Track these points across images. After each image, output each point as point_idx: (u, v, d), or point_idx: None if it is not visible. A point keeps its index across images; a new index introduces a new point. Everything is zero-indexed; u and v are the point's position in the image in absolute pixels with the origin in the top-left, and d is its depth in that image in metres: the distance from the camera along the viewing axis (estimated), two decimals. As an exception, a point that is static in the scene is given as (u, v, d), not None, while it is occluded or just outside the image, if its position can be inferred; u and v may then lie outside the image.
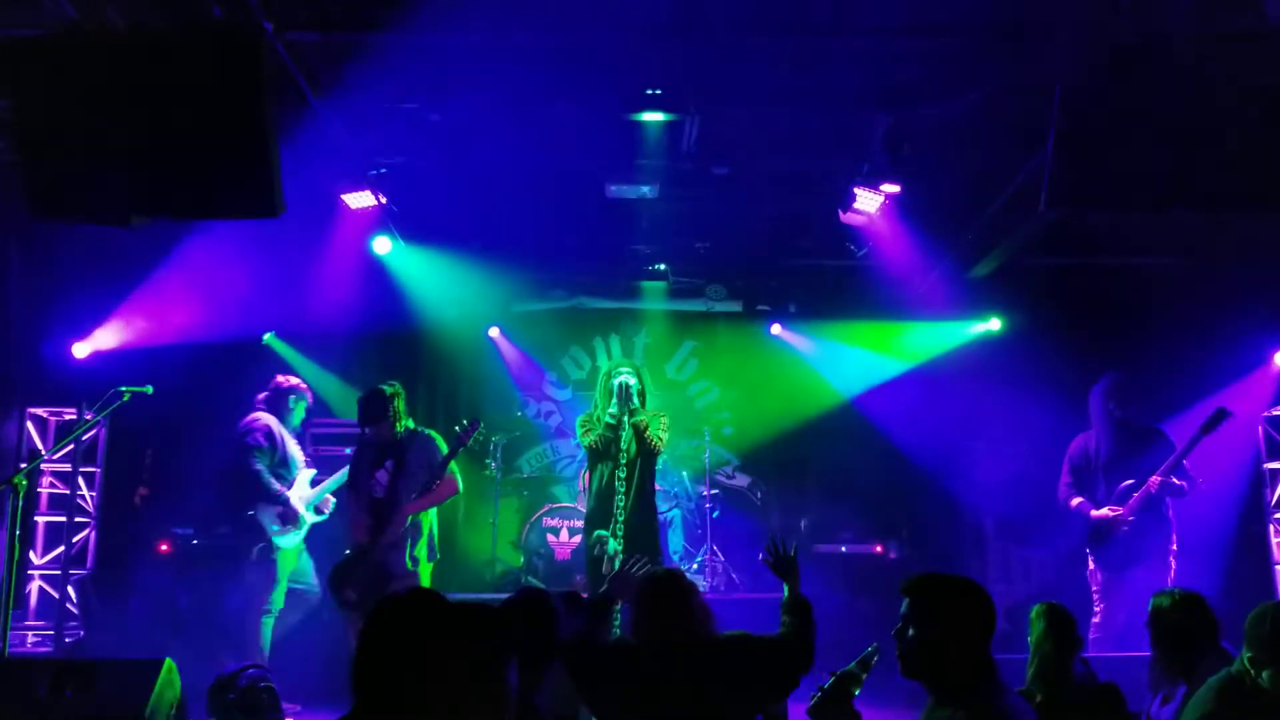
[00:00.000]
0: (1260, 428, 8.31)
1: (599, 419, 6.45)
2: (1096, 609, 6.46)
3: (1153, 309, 9.10)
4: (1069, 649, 4.08)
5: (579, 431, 6.61)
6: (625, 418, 6.35)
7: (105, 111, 4.80)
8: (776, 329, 10.62)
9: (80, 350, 8.53)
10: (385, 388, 6.61)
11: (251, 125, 4.72)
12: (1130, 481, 6.45)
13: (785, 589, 4.42)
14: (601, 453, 6.41)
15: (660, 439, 6.44)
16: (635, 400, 6.40)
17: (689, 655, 3.76)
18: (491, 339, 10.66)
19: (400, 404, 6.62)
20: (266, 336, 9.69)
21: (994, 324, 9.87)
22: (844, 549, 8.64)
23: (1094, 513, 6.49)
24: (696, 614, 3.88)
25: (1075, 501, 6.63)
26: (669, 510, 9.42)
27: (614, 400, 6.38)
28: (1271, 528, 8.16)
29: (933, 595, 3.17)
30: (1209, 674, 3.77)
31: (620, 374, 6.49)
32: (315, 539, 7.43)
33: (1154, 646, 4.13)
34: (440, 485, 6.44)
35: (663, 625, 3.83)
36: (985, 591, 3.20)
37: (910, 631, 3.13)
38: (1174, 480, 6.35)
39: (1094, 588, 6.57)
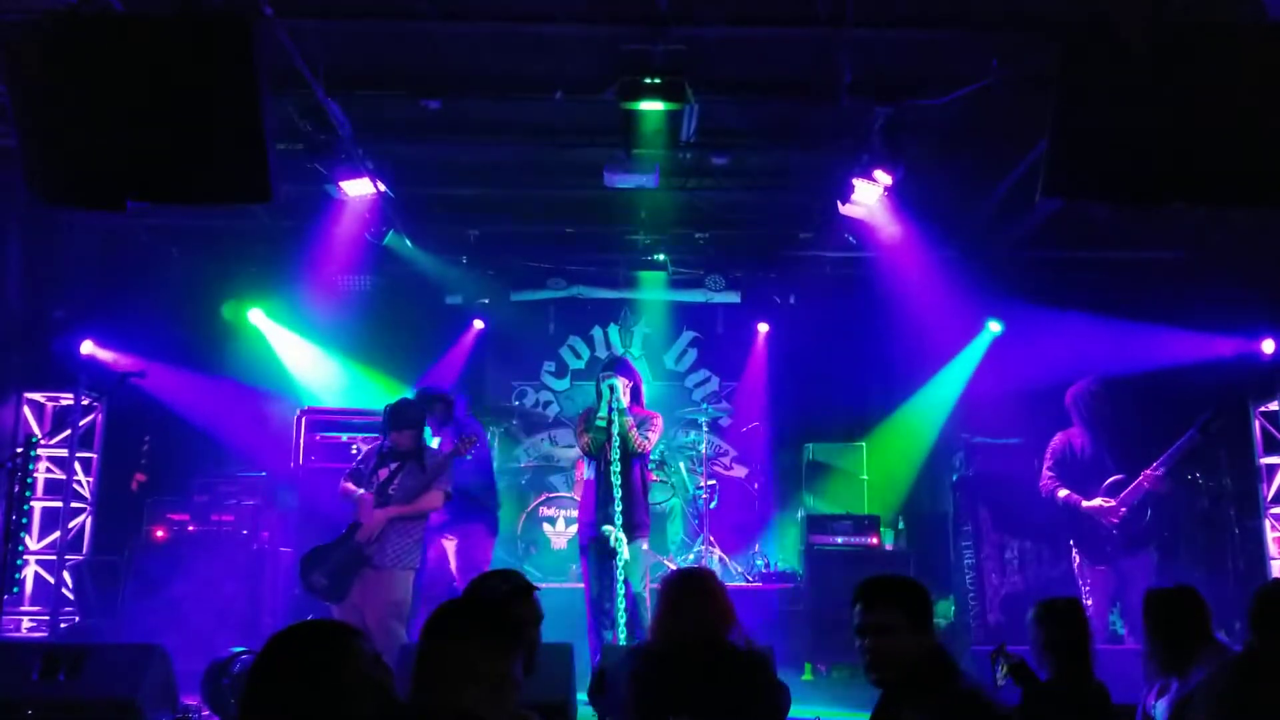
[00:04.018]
0: (1256, 422, 8.30)
1: (593, 421, 6.60)
2: (1086, 602, 6.46)
3: (1144, 302, 9.10)
4: (1087, 642, 4.07)
5: (575, 431, 6.80)
6: (615, 416, 6.44)
7: (101, 96, 4.79)
8: (764, 327, 10.68)
9: (87, 346, 8.59)
10: (415, 400, 6.70)
11: (246, 111, 4.70)
12: (1119, 477, 6.44)
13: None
14: (594, 454, 6.58)
15: (647, 439, 6.58)
16: (622, 400, 6.51)
17: (701, 658, 3.71)
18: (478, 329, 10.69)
19: (423, 417, 6.72)
20: (253, 313, 9.67)
21: (994, 326, 9.80)
22: (840, 540, 8.63)
23: (1086, 504, 6.47)
24: (718, 616, 3.81)
25: (1063, 494, 6.61)
26: (667, 501, 9.45)
27: (602, 402, 6.55)
28: (1268, 523, 8.15)
29: (885, 598, 3.24)
30: (1203, 667, 3.78)
31: (607, 375, 6.64)
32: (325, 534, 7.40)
33: (1149, 639, 4.12)
34: (422, 498, 6.45)
35: (682, 623, 3.78)
36: (923, 586, 3.32)
37: (871, 637, 3.20)
38: (1164, 477, 6.34)
39: (1082, 581, 6.57)
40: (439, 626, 2.66)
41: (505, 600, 3.63)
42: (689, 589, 3.87)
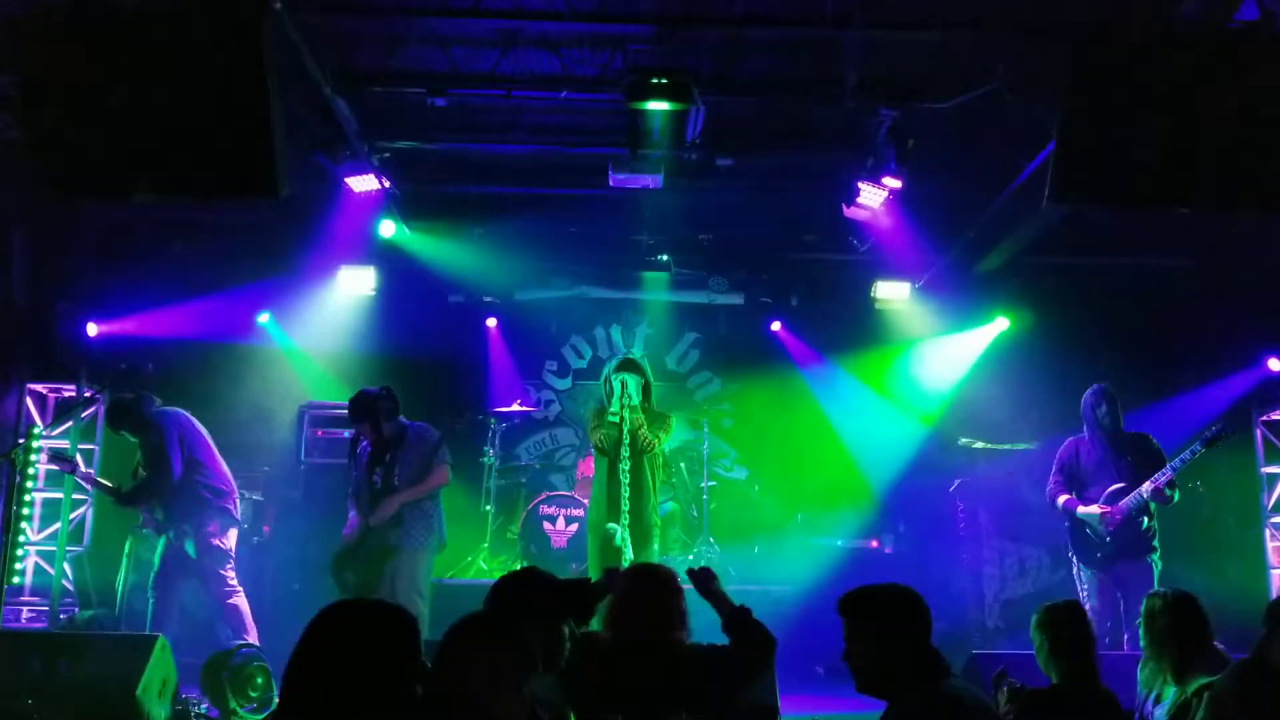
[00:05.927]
0: (1258, 431, 8.29)
1: (605, 417, 6.59)
2: (1085, 607, 6.44)
3: (1154, 309, 9.10)
4: (1090, 646, 4.05)
5: (588, 427, 6.82)
6: (626, 413, 6.46)
7: (108, 89, 4.80)
8: (776, 326, 10.64)
9: (91, 329, 8.60)
10: (368, 391, 6.60)
11: (255, 105, 4.71)
12: (1121, 485, 6.42)
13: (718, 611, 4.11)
14: (606, 449, 6.57)
15: (658, 439, 6.57)
16: (636, 397, 6.52)
17: (662, 654, 3.75)
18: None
19: (384, 404, 6.57)
20: (261, 317, 9.66)
21: (1002, 323, 9.79)
22: (839, 543, 8.63)
23: (1081, 509, 6.46)
24: (674, 615, 3.86)
25: (1062, 499, 6.61)
26: (666, 502, 9.43)
27: (614, 399, 6.54)
28: (1268, 532, 8.14)
29: (869, 612, 3.28)
30: (1201, 674, 3.78)
31: (619, 372, 6.64)
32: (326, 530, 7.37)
33: (1146, 646, 4.12)
34: (430, 476, 6.50)
35: (640, 620, 3.82)
36: (916, 594, 3.32)
37: (856, 649, 3.25)
38: (1165, 488, 6.31)
39: (1081, 587, 6.56)
40: (463, 629, 2.70)
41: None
42: (648, 586, 3.91)
